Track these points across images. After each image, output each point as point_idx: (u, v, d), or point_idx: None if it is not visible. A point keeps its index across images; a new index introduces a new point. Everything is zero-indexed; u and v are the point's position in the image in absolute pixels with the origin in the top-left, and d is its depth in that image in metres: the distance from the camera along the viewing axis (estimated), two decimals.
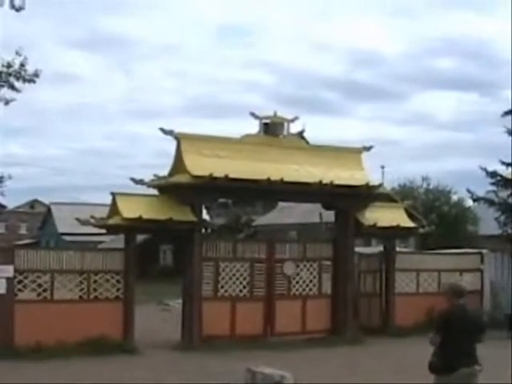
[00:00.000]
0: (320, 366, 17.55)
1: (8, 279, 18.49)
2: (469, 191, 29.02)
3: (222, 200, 48.90)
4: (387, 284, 23.54)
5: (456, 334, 9.49)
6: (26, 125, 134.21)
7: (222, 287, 20.89)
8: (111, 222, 19.90)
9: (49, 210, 74.31)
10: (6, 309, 18.42)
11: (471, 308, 9.99)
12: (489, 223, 30.77)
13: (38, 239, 75.14)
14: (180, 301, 21.64)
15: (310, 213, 44.03)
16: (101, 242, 48.70)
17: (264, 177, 20.38)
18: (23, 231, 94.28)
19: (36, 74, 26.04)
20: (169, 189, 20.51)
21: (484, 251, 26.71)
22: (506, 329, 23.31)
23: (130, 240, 19.89)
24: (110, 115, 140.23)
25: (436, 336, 9.60)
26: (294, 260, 21.91)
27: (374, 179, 23.62)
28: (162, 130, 20.36)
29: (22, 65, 25.81)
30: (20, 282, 18.67)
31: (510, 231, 27.94)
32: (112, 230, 20.98)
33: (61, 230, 65.58)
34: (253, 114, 21.63)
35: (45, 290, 18.92)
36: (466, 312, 9.76)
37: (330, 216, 25.18)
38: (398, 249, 24.97)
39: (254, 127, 21.71)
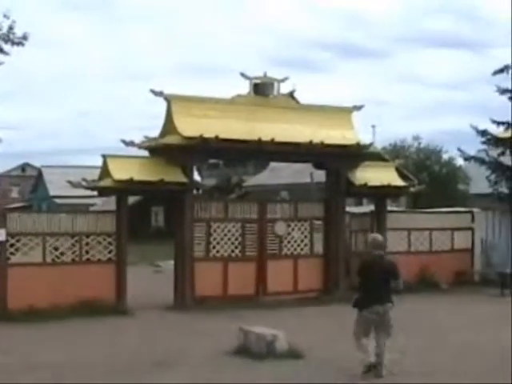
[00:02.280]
0: (312, 325, 17.65)
1: (0, 243, 18.53)
2: (460, 150, 28.96)
3: (212, 161, 48.86)
4: None
5: (371, 277, 12.10)
6: (15, 88, 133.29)
7: (214, 248, 20.97)
8: (102, 184, 19.92)
9: (40, 173, 74.09)
10: None
11: (387, 258, 12.89)
12: (479, 182, 30.70)
13: (30, 202, 75.02)
14: (172, 262, 21.69)
15: (301, 173, 43.96)
16: (92, 205, 48.74)
17: (255, 137, 20.37)
18: (15, 195, 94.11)
19: (25, 37, 25.91)
20: (160, 150, 20.49)
21: (475, 210, 26.81)
22: (499, 286, 23.48)
23: (122, 202, 19.91)
24: (99, 78, 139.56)
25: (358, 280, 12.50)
26: (286, 220, 21.97)
27: (365, 139, 23.63)
28: (153, 91, 20.29)
29: (11, 28, 25.66)
30: (12, 245, 18.72)
31: (500, 190, 27.96)
32: (103, 192, 21.01)
33: (52, 192, 65.47)
34: (243, 75, 21.53)
35: (37, 253, 18.95)
36: (381, 260, 12.40)
37: (321, 176, 25.18)
38: (389, 208, 25.01)
39: (244, 88, 21.64)
